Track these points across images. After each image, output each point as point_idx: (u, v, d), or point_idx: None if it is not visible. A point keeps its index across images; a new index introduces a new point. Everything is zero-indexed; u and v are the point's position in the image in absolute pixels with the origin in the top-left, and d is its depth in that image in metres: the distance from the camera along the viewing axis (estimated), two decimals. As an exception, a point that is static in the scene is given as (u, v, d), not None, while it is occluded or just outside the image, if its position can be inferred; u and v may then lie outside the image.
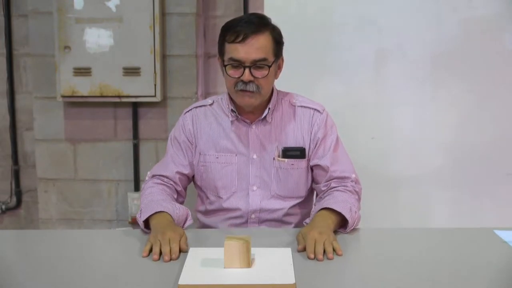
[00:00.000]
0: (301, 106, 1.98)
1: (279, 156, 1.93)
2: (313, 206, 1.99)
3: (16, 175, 3.32)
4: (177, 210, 1.82)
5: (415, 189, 3.12)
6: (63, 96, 2.93)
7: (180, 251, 1.61)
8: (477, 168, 3.09)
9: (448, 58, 3.04)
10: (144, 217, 1.78)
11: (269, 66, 1.83)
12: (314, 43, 3.03)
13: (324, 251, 1.58)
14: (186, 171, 1.98)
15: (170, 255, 1.57)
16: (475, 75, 3.04)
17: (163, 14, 2.94)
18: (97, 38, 2.87)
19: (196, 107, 2.03)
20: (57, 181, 3.09)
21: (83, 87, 2.90)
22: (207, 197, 1.99)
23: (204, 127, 1.98)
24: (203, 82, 3.11)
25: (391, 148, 3.11)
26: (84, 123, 3.05)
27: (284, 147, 1.93)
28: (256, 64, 1.82)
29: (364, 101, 3.08)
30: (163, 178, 1.97)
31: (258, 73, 1.83)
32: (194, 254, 1.56)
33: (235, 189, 1.95)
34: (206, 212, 2.02)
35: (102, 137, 3.06)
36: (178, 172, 1.97)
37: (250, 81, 1.82)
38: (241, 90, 1.84)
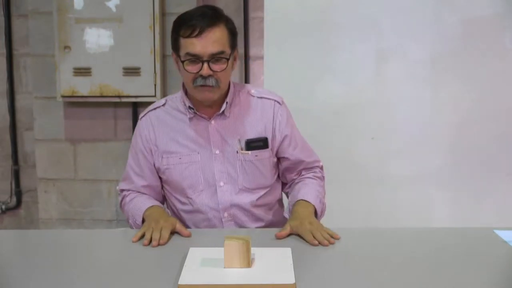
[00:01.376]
0: (261, 98, 1.96)
1: (242, 149, 1.90)
2: (283, 195, 2.08)
3: (16, 175, 3.32)
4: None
5: (415, 189, 3.12)
6: (63, 96, 2.93)
7: (185, 235, 1.74)
8: (477, 168, 3.09)
9: (448, 58, 3.04)
10: (139, 219, 1.86)
11: (227, 59, 1.81)
12: (314, 43, 3.02)
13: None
14: (153, 181, 1.96)
15: (159, 241, 1.67)
16: (475, 75, 3.04)
17: (163, 14, 2.94)
18: (97, 38, 2.87)
19: (150, 110, 1.98)
20: (57, 181, 3.10)
21: (83, 87, 2.90)
22: (178, 200, 1.95)
23: (162, 129, 1.93)
24: (203, 82, 3.11)
25: (391, 148, 3.10)
26: (84, 123, 3.05)
27: (247, 139, 1.91)
28: (214, 58, 1.79)
29: (364, 101, 3.07)
30: (133, 191, 1.98)
31: (217, 67, 1.79)
32: (194, 254, 1.55)
33: (202, 187, 1.91)
34: (178, 215, 1.98)
35: (102, 137, 3.06)
36: (144, 186, 1.97)
37: (209, 76, 1.79)
38: (201, 86, 1.80)
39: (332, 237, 1.71)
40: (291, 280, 1.39)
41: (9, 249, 1.73)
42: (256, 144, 1.92)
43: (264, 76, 2.94)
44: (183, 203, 1.95)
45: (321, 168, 2.06)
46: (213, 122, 1.91)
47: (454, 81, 3.06)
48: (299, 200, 1.89)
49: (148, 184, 1.96)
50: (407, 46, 3.05)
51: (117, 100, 2.94)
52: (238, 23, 2.96)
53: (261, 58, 2.96)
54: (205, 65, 1.78)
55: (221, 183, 1.91)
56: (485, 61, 3.03)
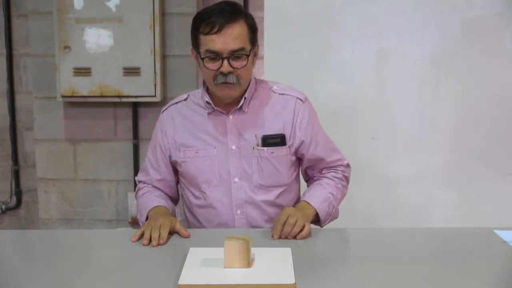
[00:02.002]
0: (282, 94, 1.93)
1: (258, 145, 1.88)
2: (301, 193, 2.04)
3: (16, 175, 3.32)
4: (170, 207, 1.94)
5: (415, 189, 3.12)
6: (63, 96, 2.93)
7: (184, 235, 1.74)
8: (477, 168, 3.09)
9: (448, 58, 3.04)
10: (144, 216, 1.87)
11: (247, 55, 1.80)
12: (314, 43, 3.02)
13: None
14: (167, 175, 1.98)
15: (158, 240, 1.67)
16: (475, 75, 3.04)
17: (163, 14, 2.94)
18: (97, 38, 2.87)
19: (172, 104, 2.00)
20: (57, 181, 3.09)
21: (83, 87, 2.90)
22: (192, 194, 1.96)
23: (181, 123, 1.94)
24: (203, 82, 3.11)
25: (391, 148, 3.10)
26: (84, 123, 3.05)
27: (264, 135, 1.88)
28: (234, 55, 1.78)
29: (364, 101, 3.07)
30: (148, 184, 2.01)
31: (237, 64, 1.78)
32: (194, 254, 1.55)
33: (216, 182, 1.90)
34: (192, 209, 1.99)
35: (102, 137, 3.06)
36: (158, 180, 1.99)
37: (229, 73, 1.78)
38: (222, 83, 1.80)
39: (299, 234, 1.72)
40: (291, 280, 1.39)
41: (9, 249, 1.73)
42: (273, 140, 1.89)
43: (264, 76, 2.94)
44: (197, 197, 1.95)
45: (346, 166, 2.00)
46: (231, 117, 1.89)
47: (454, 81, 3.06)
48: (302, 201, 1.89)
49: (162, 178, 1.98)
50: (407, 46, 3.05)
51: (117, 100, 2.94)
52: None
53: (261, 58, 2.96)
54: (225, 62, 1.77)
55: (236, 179, 1.90)
56: (485, 61, 3.03)
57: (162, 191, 2.00)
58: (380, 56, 3.06)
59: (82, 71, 2.89)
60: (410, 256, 1.63)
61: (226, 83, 1.80)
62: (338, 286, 1.44)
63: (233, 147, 1.89)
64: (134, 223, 3.04)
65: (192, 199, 1.96)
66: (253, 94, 1.92)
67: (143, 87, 2.90)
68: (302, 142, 1.92)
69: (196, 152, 1.90)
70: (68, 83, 2.90)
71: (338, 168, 1.98)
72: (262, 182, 1.90)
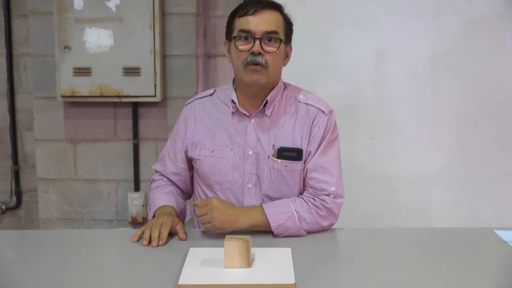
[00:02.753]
0: (306, 104, 1.87)
1: (273, 156, 1.83)
2: None
3: (16, 175, 3.32)
4: (180, 204, 1.93)
5: (415, 189, 3.12)
6: (63, 96, 2.93)
7: (180, 238, 1.73)
8: (477, 168, 3.09)
9: (448, 58, 3.04)
10: (151, 215, 1.88)
11: (280, 41, 1.77)
12: (314, 43, 3.02)
13: None
14: (183, 169, 1.97)
15: (158, 240, 1.67)
16: (475, 75, 3.04)
17: (163, 14, 2.94)
18: (97, 38, 2.87)
19: (197, 98, 1.98)
20: (57, 181, 3.10)
21: (83, 87, 2.90)
22: (204, 192, 1.94)
23: (202, 119, 1.92)
24: (203, 82, 3.11)
25: (391, 148, 3.10)
26: (84, 123, 3.05)
27: (280, 147, 1.83)
28: (267, 38, 1.76)
29: (364, 101, 3.07)
30: (163, 176, 2.01)
31: (269, 47, 1.76)
32: (194, 254, 1.56)
33: (229, 185, 1.87)
34: None
35: (102, 137, 3.06)
36: (174, 173, 1.98)
37: (259, 54, 1.75)
38: (250, 64, 1.76)
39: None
40: (291, 280, 1.39)
41: (9, 249, 1.73)
42: (288, 154, 1.83)
43: (264, 76, 2.94)
44: (207, 196, 1.92)
45: (334, 196, 1.83)
46: (252, 121, 1.86)
47: (454, 81, 3.06)
48: (259, 206, 1.81)
49: (177, 172, 1.98)
50: (407, 46, 3.05)
51: (117, 100, 2.94)
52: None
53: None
54: (257, 42, 1.75)
55: (250, 185, 1.86)
56: (485, 61, 3.03)
57: (175, 185, 2.00)
58: (380, 56, 3.06)
59: (82, 71, 2.89)
60: (410, 256, 1.63)
61: (255, 64, 1.76)
62: (338, 286, 1.44)
63: (250, 152, 1.85)
64: (134, 223, 3.05)
65: (203, 196, 1.94)
66: (277, 99, 1.87)
67: (143, 87, 2.90)
68: (309, 153, 1.85)
69: (212, 151, 1.88)
70: (68, 83, 2.90)
71: (319, 196, 1.82)
72: (269, 193, 1.86)
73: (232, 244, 1.46)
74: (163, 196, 1.92)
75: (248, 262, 1.47)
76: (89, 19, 2.86)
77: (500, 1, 3.00)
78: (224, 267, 1.46)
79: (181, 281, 1.39)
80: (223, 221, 1.72)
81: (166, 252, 1.65)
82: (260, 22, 1.76)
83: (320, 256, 1.66)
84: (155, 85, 2.90)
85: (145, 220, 3.07)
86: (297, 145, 1.84)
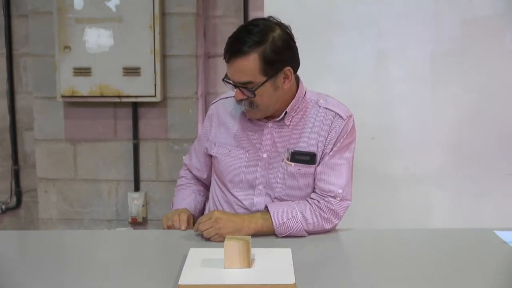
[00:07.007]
0: (326, 108, 1.87)
1: (287, 159, 1.85)
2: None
3: (16, 175, 3.32)
4: (199, 205, 2.05)
5: (415, 189, 3.12)
6: (63, 96, 2.93)
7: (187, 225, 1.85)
8: (477, 168, 3.09)
9: (448, 58, 3.04)
10: None
11: (254, 90, 1.76)
12: (314, 43, 3.02)
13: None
14: (205, 165, 2.05)
15: (180, 223, 1.83)
16: (475, 75, 3.04)
17: (163, 14, 2.94)
18: (97, 38, 2.87)
19: (222, 98, 2.03)
20: (57, 181, 3.09)
21: (83, 87, 2.90)
22: (219, 188, 1.99)
23: (224, 119, 1.97)
24: (203, 82, 3.11)
25: (391, 148, 3.10)
26: (84, 123, 3.05)
27: (294, 150, 1.85)
28: (242, 87, 1.78)
29: (364, 101, 3.07)
30: (188, 171, 2.12)
31: (246, 94, 1.79)
32: (194, 254, 1.56)
33: (241, 185, 1.91)
34: (216, 201, 2.00)
35: (102, 137, 3.06)
36: (197, 169, 2.07)
37: (242, 99, 1.80)
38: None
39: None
40: (291, 280, 1.39)
41: (9, 249, 1.73)
42: (302, 157, 1.84)
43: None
44: (222, 192, 1.98)
45: (341, 199, 1.82)
46: (269, 125, 1.88)
47: (454, 81, 3.06)
48: (265, 209, 1.84)
49: (200, 168, 2.06)
50: (407, 46, 3.05)
51: (117, 100, 2.94)
52: (238, 23, 2.97)
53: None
54: (237, 90, 1.80)
55: (260, 187, 1.90)
56: (485, 61, 3.03)
57: (199, 181, 2.10)
58: (380, 56, 3.06)
59: (82, 71, 2.89)
60: (409, 256, 1.63)
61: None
62: (338, 286, 1.44)
63: (264, 155, 1.88)
64: (134, 223, 3.05)
65: (218, 191, 1.99)
66: (297, 107, 1.87)
67: (143, 87, 2.90)
68: (323, 156, 1.85)
69: (229, 151, 1.92)
70: (68, 83, 2.90)
71: (325, 198, 1.83)
72: (283, 195, 1.88)
73: (232, 244, 1.46)
74: (184, 199, 2.03)
75: (248, 262, 1.47)
76: (89, 19, 2.86)
77: (500, 1, 3.00)
78: (224, 267, 1.47)
79: (181, 281, 1.39)
80: (231, 229, 1.74)
81: (166, 252, 1.65)
82: (233, 72, 1.78)
83: (320, 256, 1.66)
84: (155, 85, 2.90)
85: (145, 220, 3.07)
86: (312, 149, 1.85)
